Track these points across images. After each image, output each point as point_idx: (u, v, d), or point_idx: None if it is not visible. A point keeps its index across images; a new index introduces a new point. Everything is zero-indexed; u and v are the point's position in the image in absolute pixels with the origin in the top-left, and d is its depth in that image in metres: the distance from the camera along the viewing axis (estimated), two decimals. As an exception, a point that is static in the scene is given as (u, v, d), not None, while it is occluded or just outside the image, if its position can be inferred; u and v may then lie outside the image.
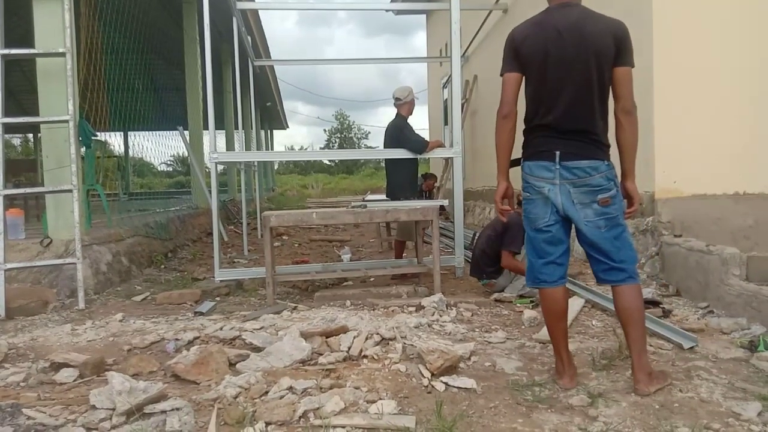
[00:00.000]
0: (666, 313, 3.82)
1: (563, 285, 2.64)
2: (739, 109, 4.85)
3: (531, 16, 2.64)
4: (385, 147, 5.71)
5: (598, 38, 2.43)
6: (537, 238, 2.64)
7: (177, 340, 3.37)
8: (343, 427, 2.18)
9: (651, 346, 3.17)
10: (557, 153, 2.50)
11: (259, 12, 11.66)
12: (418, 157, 5.48)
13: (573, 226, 2.60)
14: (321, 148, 52.25)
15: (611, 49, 2.43)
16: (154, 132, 10.75)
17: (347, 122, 55.49)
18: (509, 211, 2.76)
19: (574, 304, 3.96)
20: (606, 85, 2.50)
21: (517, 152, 2.69)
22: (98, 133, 5.59)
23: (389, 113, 5.75)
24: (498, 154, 2.66)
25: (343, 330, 3.25)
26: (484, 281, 4.79)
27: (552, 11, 2.55)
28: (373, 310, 4.14)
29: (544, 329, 3.37)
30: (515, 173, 2.69)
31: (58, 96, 4.78)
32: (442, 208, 8.58)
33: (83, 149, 5.10)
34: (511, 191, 2.72)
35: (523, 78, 2.60)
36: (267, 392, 2.49)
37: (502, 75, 2.63)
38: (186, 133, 9.72)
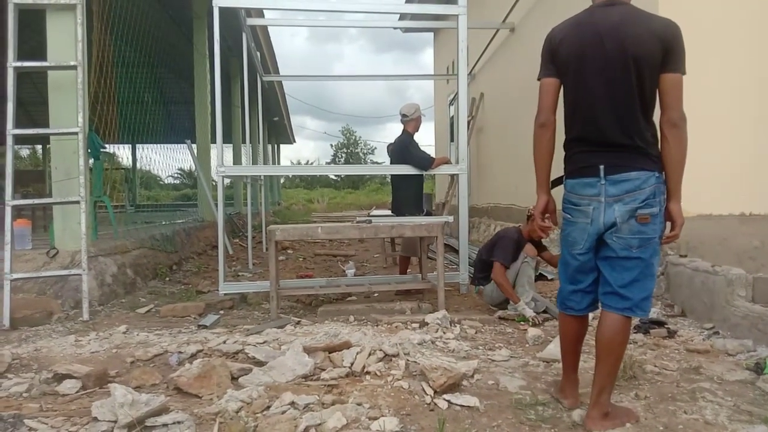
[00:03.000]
0: (671, 334, 3.80)
1: (589, 312, 2.52)
2: (745, 129, 4.85)
3: (572, 15, 2.43)
4: (391, 163, 5.74)
5: (641, 41, 2.19)
6: (571, 264, 2.47)
7: (180, 353, 3.37)
8: (345, 443, 2.17)
9: (655, 366, 3.15)
10: (601, 167, 2.27)
11: (269, 28, 11.78)
12: (424, 173, 5.51)
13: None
14: (327, 163, 52.50)
15: (656, 53, 2.19)
16: (161, 145, 10.84)
17: (354, 137, 55.73)
18: (549, 228, 2.54)
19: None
20: (649, 93, 2.25)
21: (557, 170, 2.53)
22: (107, 145, 5.64)
23: (396, 129, 5.84)
24: (537, 166, 2.46)
25: (346, 345, 3.24)
26: (477, 288, 4.94)
27: (594, 10, 2.33)
28: (377, 325, 4.13)
29: (549, 348, 3.36)
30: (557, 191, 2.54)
31: (69, 108, 4.84)
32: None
33: (92, 161, 5.14)
34: (553, 205, 2.50)
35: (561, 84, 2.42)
36: (269, 407, 2.48)
37: (539, 79, 2.43)
38: (194, 146, 9.80)
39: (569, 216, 2.44)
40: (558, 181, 2.52)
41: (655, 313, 4.16)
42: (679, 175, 2.30)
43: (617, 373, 2.41)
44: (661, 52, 2.20)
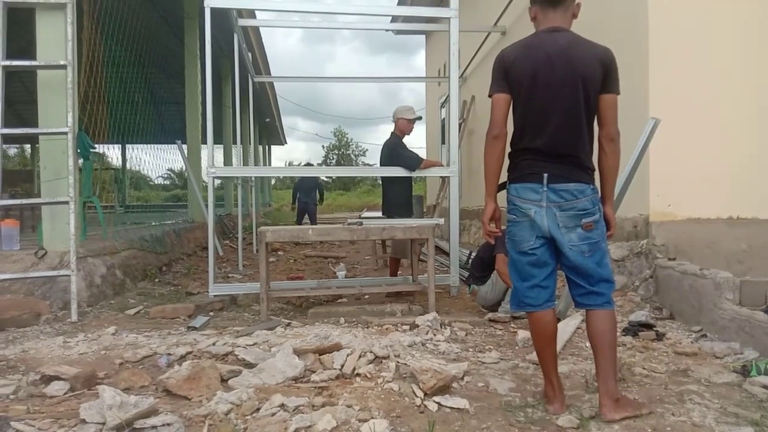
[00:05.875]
0: (659, 336, 3.82)
1: (551, 308, 2.61)
2: (732, 134, 4.90)
3: (521, 39, 2.64)
4: (381, 165, 5.74)
5: (587, 64, 2.45)
6: (521, 261, 2.61)
7: (169, 354, 3.35)
8: (335, 445, 2.17)
9: (644, 369, 3.18)
10: (545, 175, 2.49)
11: (260, 29, 11.76)
12: (413, 175, 5.50)
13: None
14: (318, 165, 52.40)
15: (599, 75, 2.45)
16: (152, 145, 10.80)
17: (345, 139, 55.70)
18: (497, 233, 2.71)
19: (568, 326, 3.96)
20: (592, 111, 2.51)
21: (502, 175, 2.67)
22: (96, 145, 5.60)
23: (388, 131, 5.80)
24: (487, 175, 2.63)
25: (337, 347, 3.24)
26: (470, 288, 4.91)
27: (541, 35, 2.55)
28: (367, 327, 4.13)
29: (538, 350, 3.37)
30: (502, 196, 2.68)
31: (58, 108, 4.80)
32: None
33: (81, 161, 5.10)
34: (498, 213, 2.68)
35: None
36: (258, 409, 2.48)
37: (490, 96, 2.61)
38: (184, 147, 9.76)
39: (514, 217, 2.62)
40: (502, 186, 2.69)
41: (643, 315, 4.19)
42: (613, 182, 2.63)
43: (616, 359, 2.57)
44: (602, 75, 2.47)
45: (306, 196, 12.80)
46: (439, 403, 2.59)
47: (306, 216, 12.80)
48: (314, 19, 8.54)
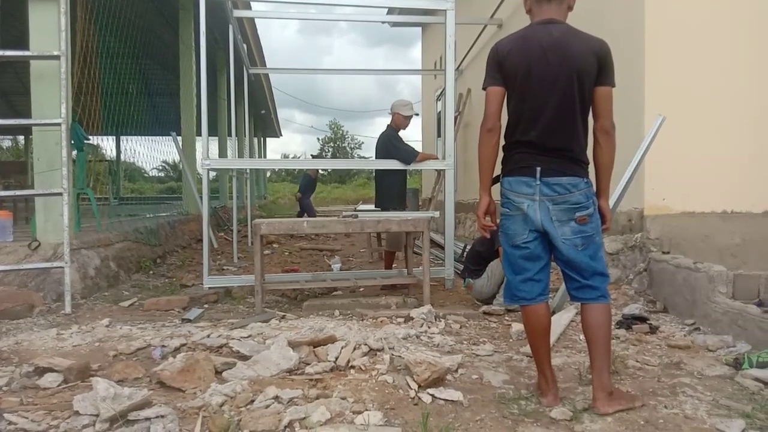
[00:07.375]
0: (653, 330, 3.84)
1: (545, 301, 2.61)
2: (728, 129, 4.91)
3: (515, 31, 2.62)
4: (376, 158, 5.73)
5: (582, 57, 2.43)
6: (514, 255, 2.60)
7: (163, 346, 3.34)
8: (329, 437, 2.17)
9: (637, 362, 3.19)
10: (538, 169, 2.48)
11: (256, 20, 11.70)
12: (408, 168, 5.49)
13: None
14: (314, 157, 52.23)
15: (594, 68, 2.43)
16: (146, 137, 10.74)
17: (341, 132, 55.57)
18: (491, 227, 2.70)
19: (562, 319, 3.98)
20: (587, 104, 2.50)
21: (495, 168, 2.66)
22: (90, 137, 5.57)
23: (384, 124, 5.78)
24: (481, 169, 2.61)
25: (331, 340, 3.24)
26: (465, 281, 4.95)
27: (536, 27, 2.53)
28: (362, 320, 4.14)
29: (532, 343, 3.38)
30: (497, 189, 2.67)
31: (52, 99, 4.76)
32: None
33: (75, 152, 5.08)
34: (493, 206, 2.67)
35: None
36: (253, 401, 2.48)
37: (485, 88, 2.59)
38: (179, 138, 9.72)
39: (507, 210, 2.61)
40: (496, 180, 2.68)
41: (637, 308, 4.21)
42: (608, 176, 2.59)
43: (610, 352, 2.58)
44: (597, 67, 2.45)
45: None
46: (433, 396, 2.59)
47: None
48: (310, 11, 8.51)
